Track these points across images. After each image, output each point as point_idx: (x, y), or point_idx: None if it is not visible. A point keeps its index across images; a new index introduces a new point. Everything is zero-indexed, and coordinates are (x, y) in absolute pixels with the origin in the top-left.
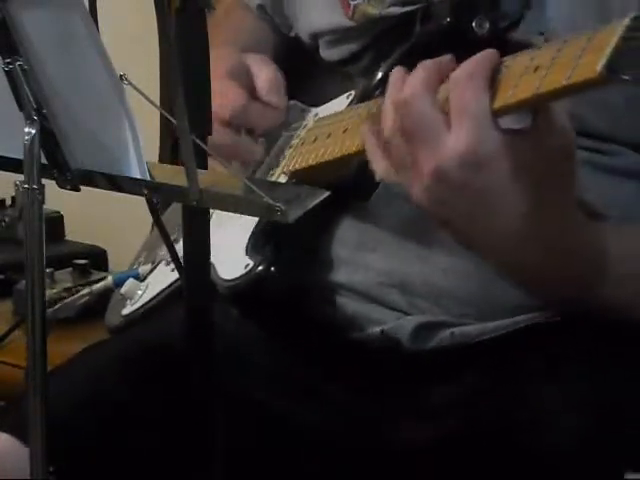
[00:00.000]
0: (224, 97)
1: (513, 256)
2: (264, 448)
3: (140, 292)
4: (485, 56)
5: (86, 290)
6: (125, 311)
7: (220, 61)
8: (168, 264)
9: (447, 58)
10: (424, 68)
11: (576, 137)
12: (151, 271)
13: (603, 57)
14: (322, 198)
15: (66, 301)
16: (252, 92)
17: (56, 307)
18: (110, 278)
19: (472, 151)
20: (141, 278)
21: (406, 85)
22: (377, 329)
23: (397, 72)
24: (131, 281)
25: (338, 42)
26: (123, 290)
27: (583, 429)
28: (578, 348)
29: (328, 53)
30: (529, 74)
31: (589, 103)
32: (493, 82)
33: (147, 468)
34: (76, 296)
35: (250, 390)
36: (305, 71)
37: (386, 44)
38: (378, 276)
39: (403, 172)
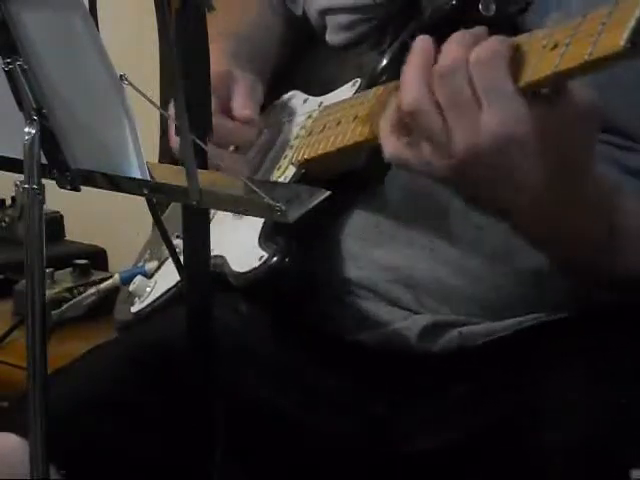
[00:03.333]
0: None
1: (533, 220)
2: (267, 446)
3: (149, 289)
4: (502, 38)
5: (93, 290)
6: (134, 308)
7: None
8: None
9: (482, 30)
10: (463, 37)
11: (607, 135)
12: (158, 268)
13: (626, 30)
14: (322, 198)
15: (73, 301)
16: (227, 107)
17: (63, 308)
18: (117, 276)
19: (506, 132)
20: (148, 275)
21: (446, 54)
22: (386, 329)
23: (425, 41)
24: (140, 278)
25: (346, 21)
26: (132, 287)
27: (589, 428)
28: (584, 347)
29: (335, 36)
30: (547, 51)
31: (622, 101)
32: (513, 61)
33: (149, 468)
34: (83, 296)
35: (255, 388)
36: (310, 60)
37: (394, 26)
38: (385, 272)
39: (419, 149)
